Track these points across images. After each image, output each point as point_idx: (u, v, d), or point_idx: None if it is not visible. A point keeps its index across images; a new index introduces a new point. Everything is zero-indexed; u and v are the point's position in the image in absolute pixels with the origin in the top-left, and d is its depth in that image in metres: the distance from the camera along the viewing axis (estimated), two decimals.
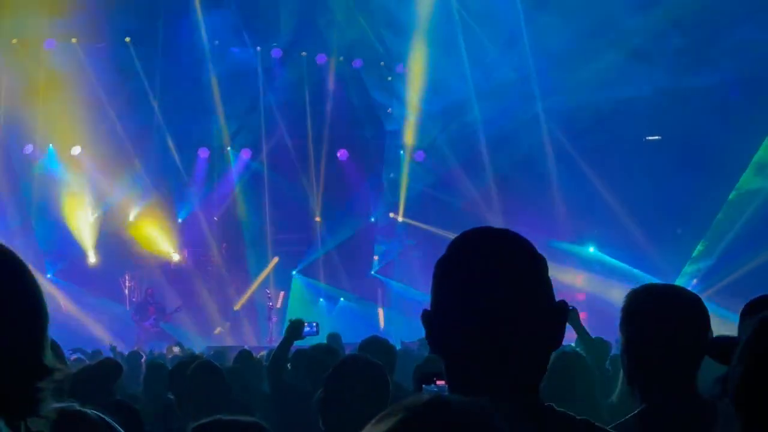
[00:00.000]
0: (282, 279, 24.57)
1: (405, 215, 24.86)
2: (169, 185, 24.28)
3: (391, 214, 25.15)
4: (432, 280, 2.15)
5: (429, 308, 2.15)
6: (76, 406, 2.28)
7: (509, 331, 2.03)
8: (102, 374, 6.16)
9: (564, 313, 2.12)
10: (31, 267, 2.11)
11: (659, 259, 21.24)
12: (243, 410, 5.59)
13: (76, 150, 23.56)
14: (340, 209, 25.08)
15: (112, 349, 14.27)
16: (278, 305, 23.90)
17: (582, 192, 22.12)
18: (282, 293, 24.29)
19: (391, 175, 25.16)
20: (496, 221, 21.51)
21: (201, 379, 6.40)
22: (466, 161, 23.89)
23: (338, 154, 25.27)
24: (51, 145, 23.57)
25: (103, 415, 2.34)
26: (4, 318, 1.97)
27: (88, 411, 2.30)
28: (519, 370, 1.94)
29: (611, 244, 22.85)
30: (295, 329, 7.83)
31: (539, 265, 2.12)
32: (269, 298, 23.22)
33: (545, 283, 2.11)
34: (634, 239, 21.78)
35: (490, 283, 2.05)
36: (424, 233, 23.75)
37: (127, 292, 23.43)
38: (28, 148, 23.47)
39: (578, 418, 2.11)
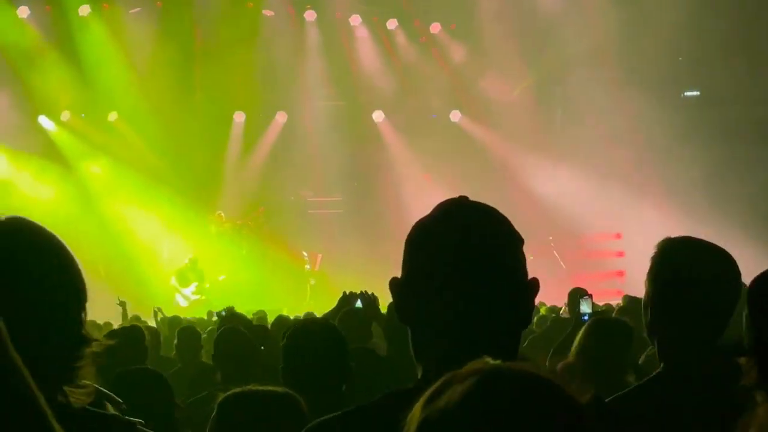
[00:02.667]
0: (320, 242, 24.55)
1: None
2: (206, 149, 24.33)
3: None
4: (404, 248, 2.12)
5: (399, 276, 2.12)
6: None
7: (481, 306, 2.00)
8: (128, 342, 6.18)
9: (535, 291, 2.08)
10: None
11: None
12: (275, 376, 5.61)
13: (113, 116, 23.72)
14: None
15: (155, 313, 14.31)
16: (316, 268, 23.97)
17: None
18: (320, 255, 24.31)
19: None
20: None
21: (227, 345, 6.40)
22: None
23: (374, 116, 25.13)
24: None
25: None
26: (46, 290, 2.10)
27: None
28: (489, 346, 1.86)
29: None
30: (347, 301, 7.87)
31: (515, 241, 2.10)
32: (306, 260, 23.30)
33: (519, 260, 2.08)
34: None
35: (464, 257, 2.01)
36: None
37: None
38: (66, 114, 23.58)
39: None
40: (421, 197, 22.63)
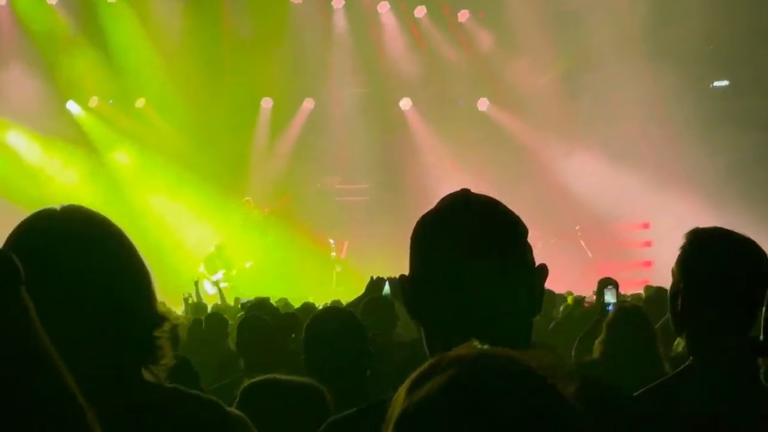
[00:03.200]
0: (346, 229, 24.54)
1: None
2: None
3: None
4: (410, 244, 2.15)
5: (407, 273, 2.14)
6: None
7: (488, 297, 2.01)
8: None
9: (543, 277, 2.10)
10: None
11: None
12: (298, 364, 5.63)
13: (141, 102, 23.82)
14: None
15: (185, 299, 14.43)
16: (342, 255, 23.98)
17: None
18: (346, 243, 24.31)
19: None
20: None
21: (250, 333, 6.44)
22: None
23: (401, 104, 25.09)
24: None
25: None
26: (121, 276, 2.19)
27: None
28: (499, 336, 1.84)
29: None
30: (375, 286, 7.88)
31: (520, 231, 2.11)
32: (333, 247, 23.30)
33: (525, 249, 2.10)
34: None
35: (469, 250, 2.03)
36: None
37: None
38: (94, 100, 23.67)
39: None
40: (448, 185, 22.54)
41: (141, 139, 23.88)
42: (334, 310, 5.13)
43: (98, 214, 2.31)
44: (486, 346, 1.42)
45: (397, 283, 7.73)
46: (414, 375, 1.40)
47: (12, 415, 1.45)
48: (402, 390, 1.39)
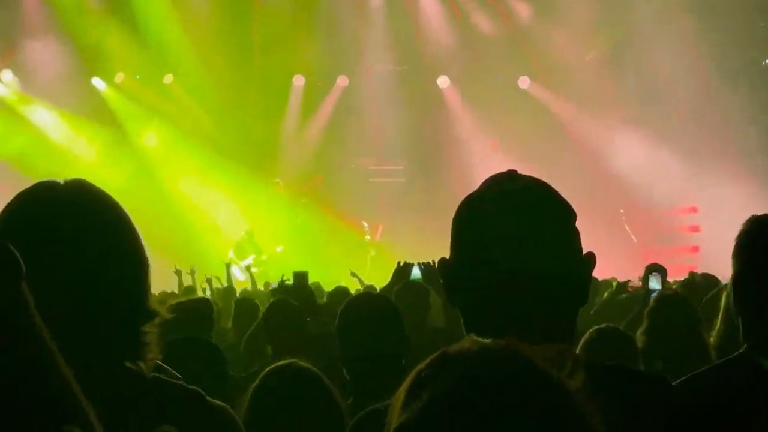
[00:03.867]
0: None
1: None
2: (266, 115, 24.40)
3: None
4: (452, 227, 2.14)
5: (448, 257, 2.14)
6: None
7: (535, 285, 1.99)
8: (197, 316, 6.20)
9: (591, 265, 2.08)
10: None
11: None
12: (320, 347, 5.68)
13: (169, 78, 23.86)
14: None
15: (209, 281, 14.49)
16: (377, 239, 23.99)
17: None
18: (381, 226, 24.33)
19: None
20: None
21: (276, 318, 6.57)
22: None
23: (439, 81, 25.01)
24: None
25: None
26: (110, 259, 2.14)
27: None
28: (544, 327, 1.90)
29: None
30: (402, 272, 7.88)
31: (568, 215, 2.09)
32: (367, 231, 23.30)
33: (573, 235, 2.08)
34: None
35: (516, 234, 2.01)
36: None
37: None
38: (120, 76, 23.81)
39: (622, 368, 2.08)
40: (488, 166, 22.51)
41: (168, 118, 23.94)
42: (368, 296, 5.14)
43: (100, 192, 2.26)
44: (488, 341, 1.41)
45: (433, 268, 7.74)
46: (414, 374, 1.40)
47: (12, 416, 1.41)
48: (402, 391, 1.40)
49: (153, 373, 2.19)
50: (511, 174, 2.15)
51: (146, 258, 2.23)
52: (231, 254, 22.04)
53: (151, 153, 23.96)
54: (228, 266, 15.73)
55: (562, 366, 1.33)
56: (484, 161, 22.86)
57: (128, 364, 2.13)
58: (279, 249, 22.59)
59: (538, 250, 2.00)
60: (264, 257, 22.37)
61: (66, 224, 2.12)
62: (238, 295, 12.70)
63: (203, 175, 23.53)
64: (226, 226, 23.58)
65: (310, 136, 25.31)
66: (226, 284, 15.14)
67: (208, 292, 13.75)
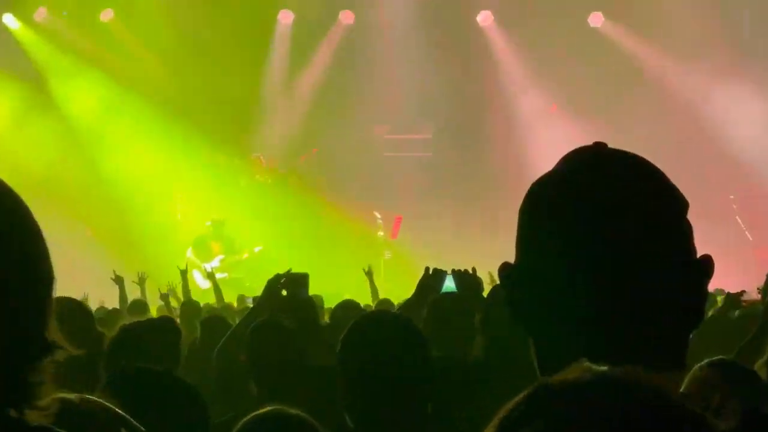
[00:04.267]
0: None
1: None
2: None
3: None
4: (519, 219, 2.12)
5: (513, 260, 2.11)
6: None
7: (634, 298, 1.97)
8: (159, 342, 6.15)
9: (708, 273, 2.05)
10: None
11: None
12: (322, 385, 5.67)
13: (107, 14, 23.90)
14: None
15: (164, 296, 14.46)
16: (393, 236, 23.96)
17: None
18: (399, 218, 24.33)
19: None
20: None
21: (264, 346, 6.56)
22: None
23: (478, 18, 25.02)
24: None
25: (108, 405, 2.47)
26: (17, 270, 2.09)
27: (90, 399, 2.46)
28: (646, 354, 1.87)
29: None
30: (431, 283, 7.89)
31: (678, 206, 2.08)
32: (380, 224, 23.25)
33: (685, 232, 2.07)
34: None
35: (608, 230, 2.00)
36: None
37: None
38: (41, 13, 23.85)
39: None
40: (546, 136, 22.57)
41: (108, 69, 23.97)
42: (381, 316, 5.06)
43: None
44: (604, 368, 1.41)
45: (472, 278, 7.74)
46: (502, 414, 1.41)
47: None
48: None
49: (40, 424, 2.12)
50: (598, 149, 2.12)
51: (49, 269, 2.17)
52: (189, 253, 22.02)
53: (83, 118, 23.96)
54: (183, 273, 15.50)
55: (706, 405, 1.34)
56: (539, 130, 22.88)
57: (9, 413, 2.09)
58: (257, 249, 22.55)
59: (640, 252, 1.99)
60: (237, 258, 22.36)
61: None
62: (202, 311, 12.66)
63: (155, 148, 23.53)
64: (186, 217, 23.61)
65: (301, 94, 25.40)
66: (182, 297, 14.94)
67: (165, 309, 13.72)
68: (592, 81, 23.58)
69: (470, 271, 8.25)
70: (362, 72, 24.78)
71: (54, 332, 2.13)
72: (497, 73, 24.99)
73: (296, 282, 8.55)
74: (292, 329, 6.82)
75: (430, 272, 8.22)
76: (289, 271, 8.74)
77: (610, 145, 2.16)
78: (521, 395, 1.40)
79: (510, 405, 1.40)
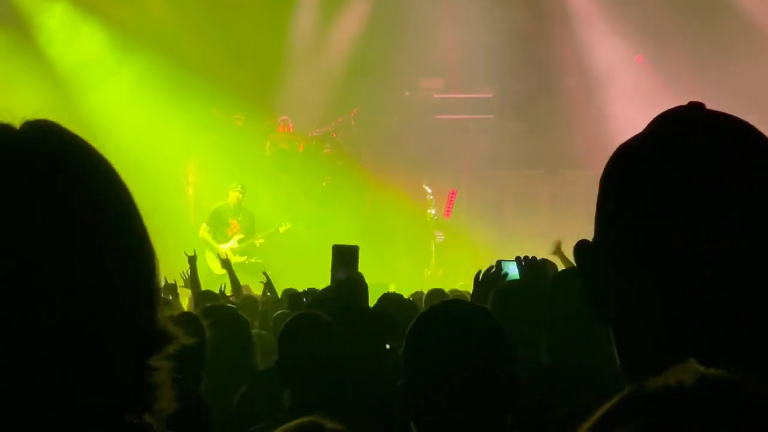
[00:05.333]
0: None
1: None
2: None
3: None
4: (600, 190, 2.09)
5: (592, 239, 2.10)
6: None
7: (746, 286, 1.96)
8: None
9: None
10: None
11: None
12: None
13: None
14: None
15: (170, 289, 14.44)
16: (447, 214, 23.91)
17: None
18: (453, 192, 24.43)
19: None
20: None
21: (301, 345, 6.57)
22: None
23: None
24: None
25: None
26: (97, 246, 2.01)
27: None
28: (760, 353, 1.88)
29: None
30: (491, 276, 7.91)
31: None
32: (431, 201, 23.25)
33: None
34: None
35: (713, 202, 1.98)
36: None
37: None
38: None
39: None
40: (631, 96, 22.49)
41: (107, 15, 24.06)
42: (454, 306, 4.94)
43: (79, 140, 2.09)
44: (711, 371, 1.38)
45: (540, 265, 7.74)
46: (595, 419, 1.40)
47: None
48: None
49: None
50: (697, 109, 2.10)
51: (151, 249, 2.10)
52: (205, 232, 21.95)
53: (77, 74, 24.04)
54: (192, 260, 15.23)
55: None
56: (622, 88, 22.78)
57: (129, 419, 2.04)
58: (283, 228, 22.62)
59: (752, 232, 1.98)
60: (260, 240, 22.35)
61: (33, 191, 1.99)
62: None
63: (162, 110, 23.61)
64: (198, 192, 23.67)
65: (336, 47, 25.46)
66: (190, 289, 14.77)
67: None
68: (683, 25, 23.50)
69: (536, 259, 8.35)
70: (409, 19, 24.69)
71: (164, 321, 2.10)
72: (571, 20, 25.02)
73: (344, 257, 8.40)
74: (330, 323, 6.88)
75: (495, 266, 8.35)
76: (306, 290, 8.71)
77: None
78: (616, 399, 1.40)
79: (601, 410, 1.39)
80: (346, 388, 6.43)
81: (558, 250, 12.19)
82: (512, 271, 8.37)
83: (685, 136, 2.04)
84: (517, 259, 8.38)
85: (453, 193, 24.16)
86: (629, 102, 21.95)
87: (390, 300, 9.97)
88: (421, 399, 4.25)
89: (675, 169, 2.02)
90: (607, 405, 1.39)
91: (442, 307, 4.85)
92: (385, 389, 6.60)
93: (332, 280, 7.69)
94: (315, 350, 6.61)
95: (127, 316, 2.01)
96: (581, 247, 2.10)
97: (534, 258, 8.26)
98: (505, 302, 7.18)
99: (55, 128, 2.07)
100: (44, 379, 1.90)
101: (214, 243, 21.75)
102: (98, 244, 2.00)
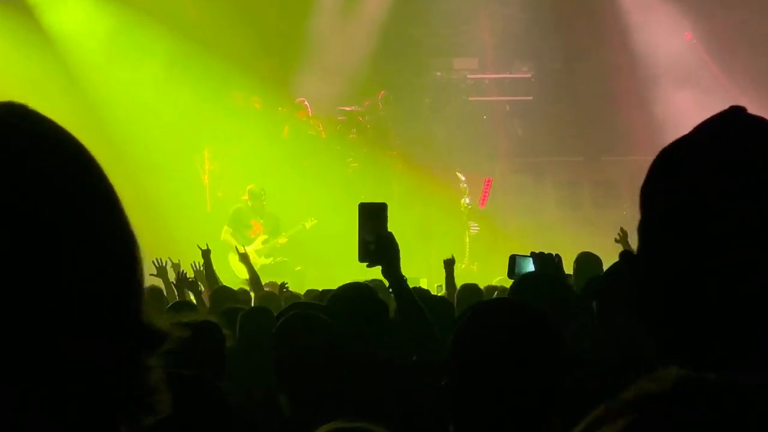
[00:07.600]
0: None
1: None
2: None
3: None
4: (644, 195, 2.19)
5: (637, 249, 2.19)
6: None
7: None
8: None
9: None
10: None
11: None
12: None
13: None
14: None
15: (195, 270, 14.58)
16: (481, 203, 23.92)
17: None
18: (488, 180, 24.41)
19: None
20: None
21: (294, 347, 6.80)
22: None
23: None
24: None
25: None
26: (91, 243, 2.03)
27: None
28: None
29: None
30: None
31: None
32: (465, 189, 23.24)
33: None
34: None
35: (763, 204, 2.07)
36: None
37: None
38: None
39: None
40: (678, 76, 22.44)
41: None
42: (506, 305, 4.97)
43: (50, 123, 2.06)
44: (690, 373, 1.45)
45: (554, 261, 7.80)
46: (583, 426, 1.45)
47: None
48: None
49: None
50: (737, 114, 2.19)
51: (134, 239, 2.10)
52: (226, 234, 21.99)
53: (84, 54, 24.05)
54: (206, 254, 15.40)
55: None
56: (669, 65, 22.77)
57: (120, 419, 2.02)
58: (309, 224, 22.54)
59: None
60: (283, 240, 22.37)
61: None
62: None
63: (175, 92, 23.65)
64: (214, 180, 23.72)
65: (361, 22, 25.37)
66: (205, 286, 14.93)
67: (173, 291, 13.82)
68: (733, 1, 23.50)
69: (553, 256, 8.66)
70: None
71: (152, 315, 2.09)
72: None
73: (372, 214, 8.32)
74: (328, 323, 7.06)
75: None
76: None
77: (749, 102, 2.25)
78: (599, 409, 1.45)
79: (588, 420, 1.46)
80: (346, 389, 6.54)
81: (623, 239, 12.62)
82: (530, 267, 8.66)
83: (731, 149, 2.15)
84: (533, 254, 8.62)
85: (488, 182, 24.25)
86: (677, 83, 21.99)
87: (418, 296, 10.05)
88: (467, 400, 4.33)
89: (722, 184, 2.13)
90: (596, 411, 1.45)
91: (494, 305, 5.20)
92: (385, 389, 6.94)
93: (360, 240, 7.63)
94: (310, 351, 6.76)
95: (107, 307, 2.02)
96: (625, 254, 2.23)
97: (549, 255, 8.51)
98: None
99: (26, 111, 2.05)
100: (26, 374, 1.90)
101: (235, 242, 21.71)
102: (71, 233, 1.98)
